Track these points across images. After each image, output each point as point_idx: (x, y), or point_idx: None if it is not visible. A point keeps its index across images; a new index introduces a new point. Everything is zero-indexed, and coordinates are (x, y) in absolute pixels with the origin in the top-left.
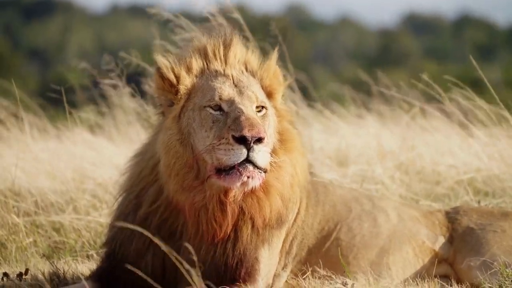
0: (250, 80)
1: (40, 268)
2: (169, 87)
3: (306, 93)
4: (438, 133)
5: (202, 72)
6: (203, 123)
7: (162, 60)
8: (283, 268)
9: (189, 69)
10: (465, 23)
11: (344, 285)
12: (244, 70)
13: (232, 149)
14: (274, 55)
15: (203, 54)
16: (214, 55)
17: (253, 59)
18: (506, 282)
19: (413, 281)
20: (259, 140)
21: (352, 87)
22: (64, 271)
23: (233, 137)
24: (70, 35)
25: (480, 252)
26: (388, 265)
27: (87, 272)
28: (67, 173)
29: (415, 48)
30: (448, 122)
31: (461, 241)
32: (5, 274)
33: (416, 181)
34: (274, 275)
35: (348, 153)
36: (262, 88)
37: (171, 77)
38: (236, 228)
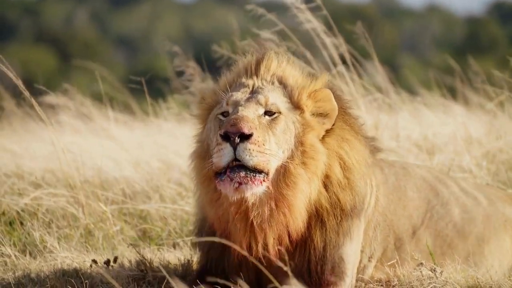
0: (275, 88)
1: (127, 256)
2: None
3: (393, 80)
4: None
5: (230, 86)
6: (215, 131)
7: (201, 85)
8: (369, 259)
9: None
10: None
11: (433, 271)
12: (276, 82)
13: (221, 148)
14: (323, 78)
15: (236, 71)
16: (246, 71)
17: (291, 73)
18: None
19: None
20: (245, 137)
21: (439, 74)
22: (150, 259)
23: (220, 135)
24: (157, 23)
25: None
26: (484, 255)
27: (173, 260)
28: (152, 162)
29: (502, 36)
30: None
31: None
32: (94, 261)
33: (503, 170)
34: (359, 267)
35: (434, 141)
36: (291, 102)
37: (199, 98)
38: (307, 231)
